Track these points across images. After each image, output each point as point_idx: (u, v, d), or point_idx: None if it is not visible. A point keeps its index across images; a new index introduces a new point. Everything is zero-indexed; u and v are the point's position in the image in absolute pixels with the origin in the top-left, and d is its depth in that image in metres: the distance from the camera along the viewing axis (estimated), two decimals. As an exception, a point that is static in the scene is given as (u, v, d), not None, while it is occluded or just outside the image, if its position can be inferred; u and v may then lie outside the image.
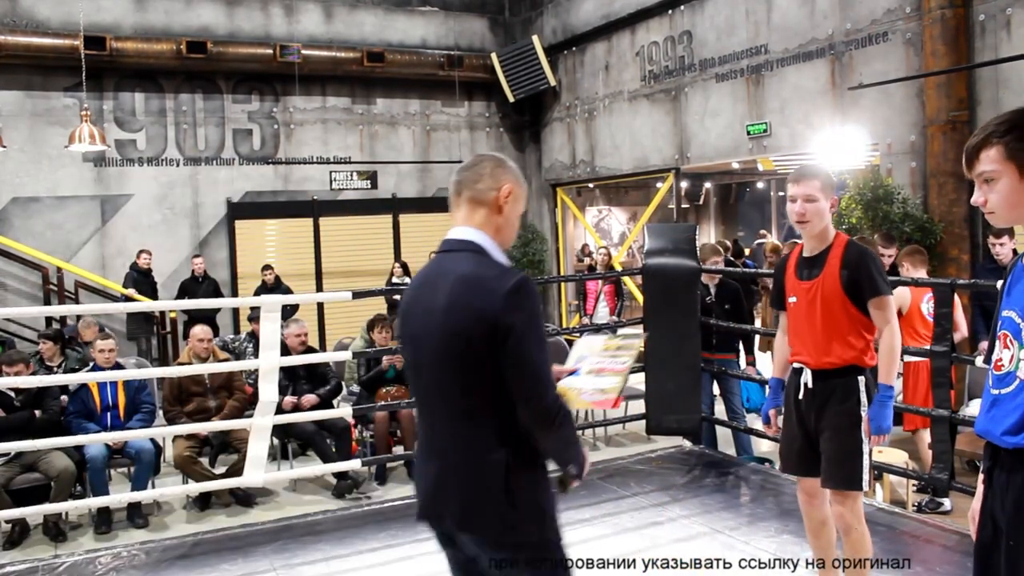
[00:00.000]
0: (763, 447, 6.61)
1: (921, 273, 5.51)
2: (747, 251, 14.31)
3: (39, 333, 6.93)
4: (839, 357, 3.16)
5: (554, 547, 2.13)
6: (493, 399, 2.05)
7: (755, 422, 7.11)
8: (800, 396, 3.28)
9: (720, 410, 6.55)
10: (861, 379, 3.16)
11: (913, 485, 5.24)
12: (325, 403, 6.49)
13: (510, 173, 2.21)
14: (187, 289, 10.39)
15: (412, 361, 2.23)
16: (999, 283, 4.14)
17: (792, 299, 3.29)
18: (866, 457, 3.11)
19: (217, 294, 10.54)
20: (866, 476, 3.11)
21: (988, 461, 1.97)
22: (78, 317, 8.64)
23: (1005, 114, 1.94)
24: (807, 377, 3.23)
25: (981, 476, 2.03)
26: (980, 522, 2.00)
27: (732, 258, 11.60)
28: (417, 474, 2.28)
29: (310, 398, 6.20)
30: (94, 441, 5.30)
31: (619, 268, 11.34)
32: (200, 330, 6.23)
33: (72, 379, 5.66)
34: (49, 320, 9.96)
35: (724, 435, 6.40)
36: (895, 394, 3.11)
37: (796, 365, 3.31)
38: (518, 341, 2.00)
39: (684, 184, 12.81)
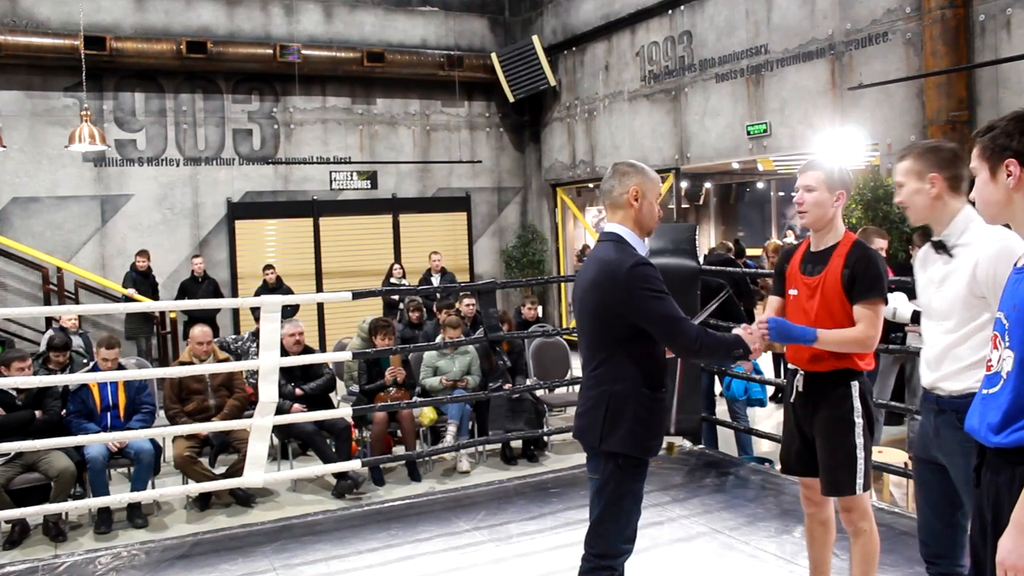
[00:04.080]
0: (763, 447, 6.62)
1: None
2: (760, 251, 14.26)
3: (48, 344, 6.68)
4: (832, 361, 3.09)
5: (634, 463, 2.80)
6: (613, 354, 2.78)
7: (756, 423, 7.11)
8: (793, 399, 3.27)
9: (721, 410, 6.55)
10: (855, 384, 3.10)
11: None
12: (323, 400, 6.48)
13: (634, 176, 2.83)
14: (187, 289, 10.38)
15: (576, 320, 2.95)
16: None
17: (793, 291, 3.25)
18: (861, 462, 3.07)
19: (217, 294, 10.54)
20: (860, 480, 3.07)
21: (977, 459, 1.99)
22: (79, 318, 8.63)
23: (1005, 115, 1.98)
24: (799, 380, 3.21)
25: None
26: (972, 519, 2.02)
27: (732, 258, 11.59)
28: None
29: (296, 407, 6.18)
30: (94, 441, 5.29)
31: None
32: (200, 332, 6.20)
33: (72, 379, 5.65)
34: (49, 320, 9.97)
35: (724, 435, 6.40)
36: (812, 343, 2.97)
37: (791, 366, 3.30)
38: (647, 305, 2.68)
39: (684, 184, 12.81)
